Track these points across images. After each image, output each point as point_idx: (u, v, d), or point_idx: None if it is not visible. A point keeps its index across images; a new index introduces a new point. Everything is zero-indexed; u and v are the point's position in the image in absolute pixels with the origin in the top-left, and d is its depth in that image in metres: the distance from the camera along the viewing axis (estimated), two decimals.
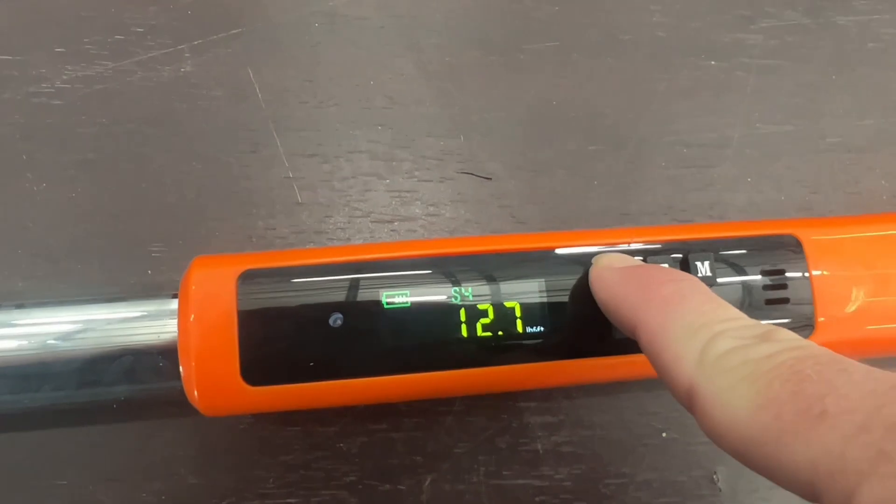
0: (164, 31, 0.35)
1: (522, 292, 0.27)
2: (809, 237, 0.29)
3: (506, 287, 0.27)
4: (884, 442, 0.14)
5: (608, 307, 0.24)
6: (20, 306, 0.27)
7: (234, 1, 0.36)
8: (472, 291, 0.27)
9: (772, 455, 0.16)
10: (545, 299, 0.27)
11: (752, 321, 0.20)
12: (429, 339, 0.27)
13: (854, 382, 0.16)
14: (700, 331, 0.19)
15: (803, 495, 0.15)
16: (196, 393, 0.26)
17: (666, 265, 0.27)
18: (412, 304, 0.27)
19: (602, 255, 0.27)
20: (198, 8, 0.36)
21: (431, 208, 0.35)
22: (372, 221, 0.34)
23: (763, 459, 0.16)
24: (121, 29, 0.35)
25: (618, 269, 0.25)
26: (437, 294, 0.27)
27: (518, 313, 0.27)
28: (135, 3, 0.36)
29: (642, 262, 0.26)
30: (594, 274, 0.26)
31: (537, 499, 0.32)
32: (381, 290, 0.27)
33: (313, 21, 0.36)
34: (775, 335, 0.19)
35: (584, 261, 0.27)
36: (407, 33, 0.37)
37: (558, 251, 0.28)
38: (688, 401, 0.19)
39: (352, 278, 0.27)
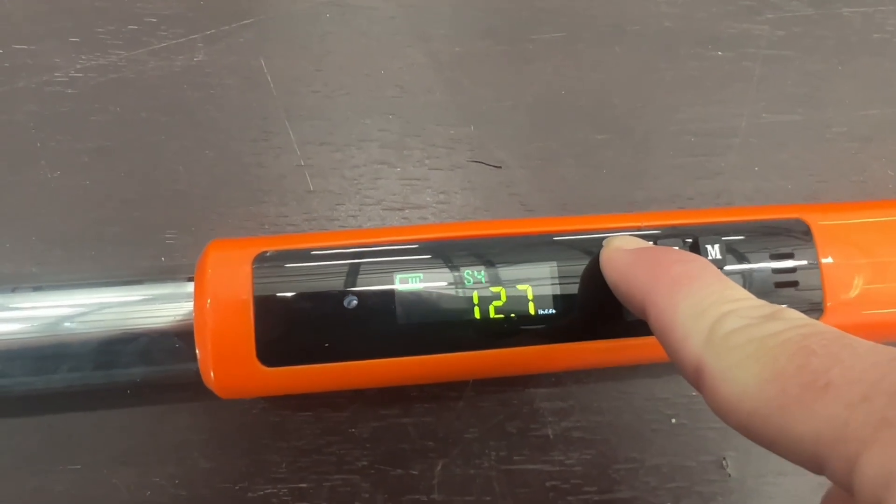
0: (176, 21, 0.36)
1: (534, 275, 0.28)
2: (818, 222, 0.30)
3: (518, 270, 0.28)
4: (886, 409, 0.14)
5: (618, 288, 0.24)
6: (38, 289, 0.28)
7: None
8: (484, 274, 0.27)
9: (778, 428, 0.16)
10: (556, 282, 0.28)
11: (760, 301, 0.20)
12: (442, 320, 0.27)
13: (858, 355, 0.16)
14: (708, 310, 0.20)
15: (809, 467, 0.16)
16: (212, 374, 0.26)
17: (676, 247, 0.28)
18: (425, 286, 0.27)
19: (612, 237, 0.27)
20: None
21: (442, 196, 0.35)
22: (383, 209, 0.35)
23: (769, 433, 0.16)
24: (134, 19, 0.35)
25: (628, 251, 0.25)
26: (450, 277, 0.27)
27: (530, 296, 0.27)
28: None
29: (652, 244, 0.27)
30: (605, 255, 0.26)
31: (548, 483, 0.32)
32: (394, 273, 0.27)
33: (324, 11, 0.37)
34: (782, 314, 0.19)
35: (595, 244, 0.28)
36: (416, 23, 0.37)
37: (569, 235, 0.28)
38: (696, 379, 0.19)
39: (366, 261, 0.27)
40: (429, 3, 0.38)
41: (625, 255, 0.25)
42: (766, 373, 0.17)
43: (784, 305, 0.20)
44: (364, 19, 0.37)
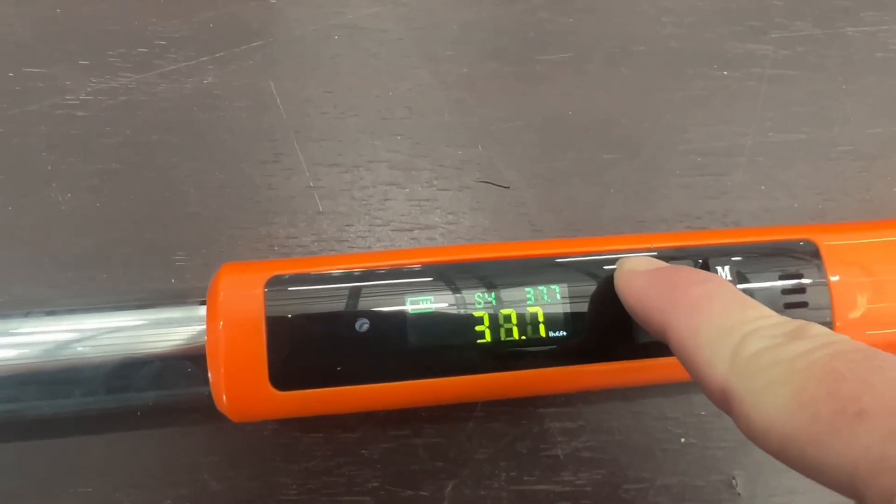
0: (186, 44, 0.36)
1: (545, 297, 0.28)
2: (826, 242, 0.30)
3: (529, 292, 0.28)
4: None
5: (635, 311, 0.24)
6: (51, 313, 0.28)
7: (255, 14, 0.37)
8: (495, 297, 0.27)
9: (812, 455, 0.16)
10: (568, 304, 0.28)
11: (782, 318, 0.20)
12: (453, 343, 0.27)
13: (890, 379, 0.16)
14: (731, 332, 0.20)
15: (846, 494, 0.16)
16: (225, 398, 0.26)
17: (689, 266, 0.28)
18: (437, 309, 0.27)
19: (626, 258, 0.27)
20: (220, 21, 0.37)
21: (450, 216, 0.35)
22: (392, 230, 0.35)
23: (803, 459, 0.16)
24: (144, 42, 0.36)
25: (644, 273, 0.25)
26: (461, 299, 0.27)
27: (541, 318, 0.27)
28: (158, 16, 0.36)
29: (666, 264, 0.27)
30: (620, 278, 0.26)
31: None
32: (406, 296, 0.27)
33: (333, 33, 0.37)
34: (806, 331, 0.19)
35: (607, 266, 0.28)
36: (425, 45, 0.37)
37: (581, 256, 0.29)
38: (723, 403, 0.19)
39: (378, 284, 0.27)
40: (437, 24, 0.38)
41: (640, 278, 0.25)
42: (795, 399, 0.17)
43: (805, 321, 0.19)
44: (373, 41, 0.37)
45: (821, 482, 0.16)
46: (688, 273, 0.23)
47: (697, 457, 0.33)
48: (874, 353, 0.17)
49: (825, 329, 0.19)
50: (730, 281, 0.28)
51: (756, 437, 0.18)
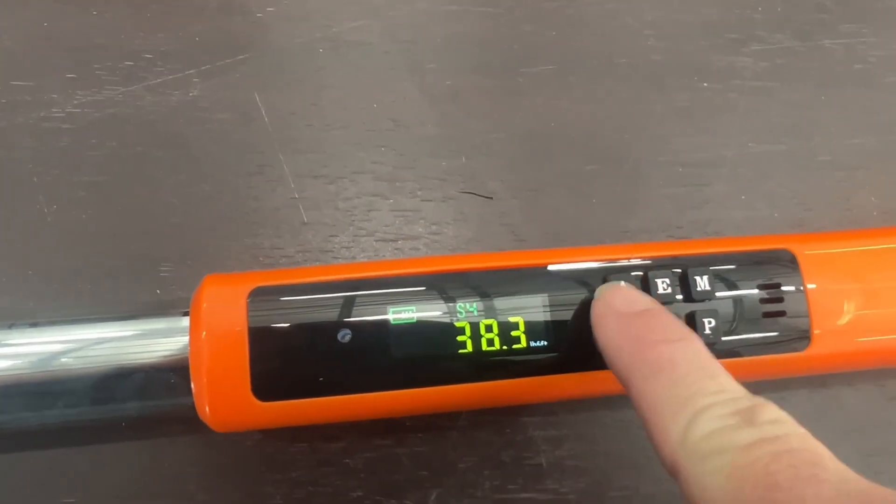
0: (172, 57, 0.36)
1: (526, 307, 0.28)
2: (803, 252, 0.30)
3: (510, 302, 0.28)
4: None
5: (604, 353, 0.25)
6: (35, 325, 0.28)
7: (241, 28, 0.37)
8: (476, 307, 0.28)
9: None
10: (549, 314, 0.28)
11: (740, 392, 0.20)
12: (435, 353, 0.27)
13: (823, 498, 0.16)
14: (686, 404, 0.20)
15: None
16: (207, 409, 0.26)
17: (668, 310, 0.25)
18: (419, 319, 0.27)
19: (606, 287, 0.27)
20: (206, 34, 0.37)
21: (434, 227, 0.35)
22: (376, 240, 0.35)
23: None
24: (131, 55, 0.36)
25: (619, 316, 0.25)
26: (443, 310, 0.28)
27: (522, 328, 0.28)
28: (144, 30, 0.37)
29: (646, 303, 0.25)
30: (596, 312, 0.26)
31: None
32: (388, 306, 0.27)
33: (318, 46, 0.37)
34: (758, 417, 0.19)
35: (587, 276, 0.28)
36: (409, 58, 0.38)
37: (561, 267, 0.29)
38: (672, 473, 0.20)
39: (360, 295, 0.27)
40: (422, 38, 0.38)
41: (614, 322, 0.25)
42: (730, 495, 0.17)
43: (763, 400, 0.20)
44: (358, 54, 0.38)
45: None
46: (658, 328, 0.23)
47: None
48: (817, 459, 0.17)
49: (779, 413, 0.19)
50: (709, 290, 0.28)
51: None
